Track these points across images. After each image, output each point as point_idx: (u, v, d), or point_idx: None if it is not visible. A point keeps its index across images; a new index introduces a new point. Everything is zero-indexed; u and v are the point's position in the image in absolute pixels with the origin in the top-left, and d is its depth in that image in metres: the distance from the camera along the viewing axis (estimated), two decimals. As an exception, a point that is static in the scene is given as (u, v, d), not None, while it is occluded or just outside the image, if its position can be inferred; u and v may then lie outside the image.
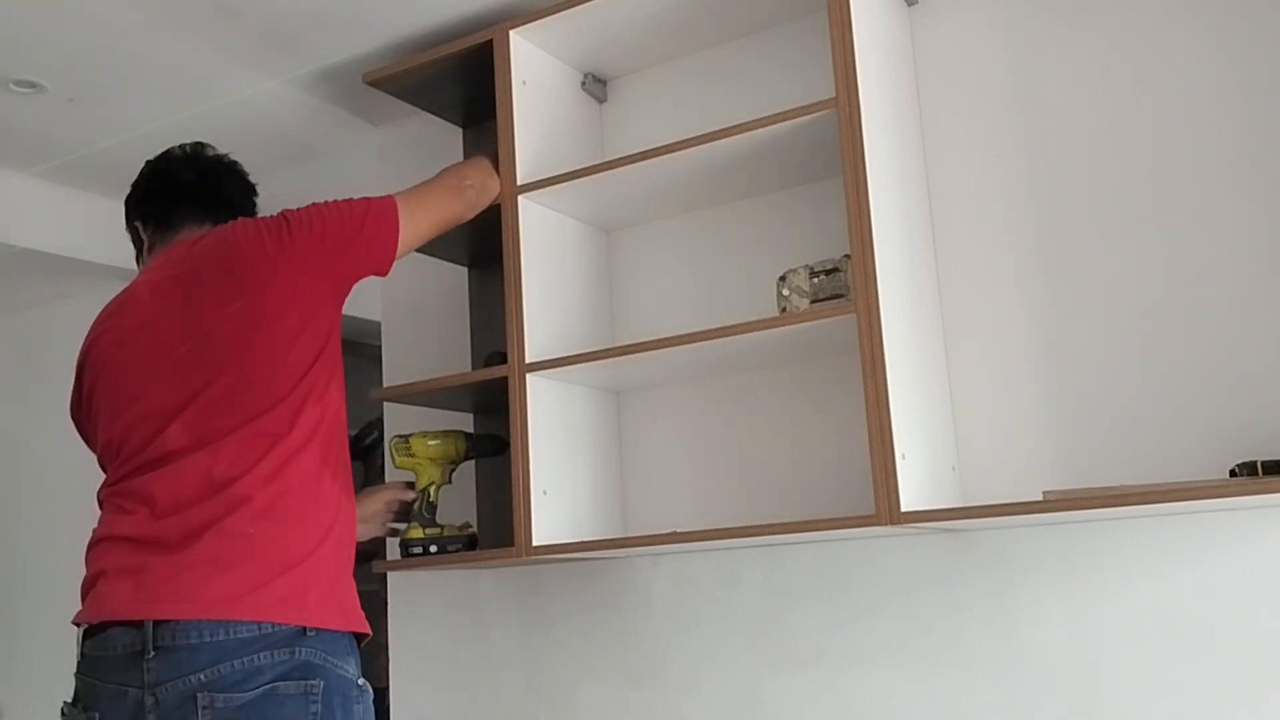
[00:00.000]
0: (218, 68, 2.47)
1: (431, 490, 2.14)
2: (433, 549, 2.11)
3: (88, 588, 1.70)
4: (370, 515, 2.07)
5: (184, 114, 2.66)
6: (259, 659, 1.57)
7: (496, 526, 2.31)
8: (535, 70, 2.23)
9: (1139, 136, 1.88)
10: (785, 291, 1.96)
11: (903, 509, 1.69)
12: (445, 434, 2.17)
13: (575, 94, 2.35)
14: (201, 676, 1.55)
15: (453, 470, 2.19)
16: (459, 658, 2.44)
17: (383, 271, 1.88)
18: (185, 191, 1.93)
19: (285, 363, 1.72)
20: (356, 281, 1.85)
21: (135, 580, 1.62)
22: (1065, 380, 1.89)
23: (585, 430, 2.20)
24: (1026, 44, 1.99)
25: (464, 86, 2.34)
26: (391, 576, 2.57)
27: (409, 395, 2.23)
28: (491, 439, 2.23)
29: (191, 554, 1.61)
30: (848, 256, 1.87)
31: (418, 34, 2.35)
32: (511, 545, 2.01)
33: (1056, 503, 1.64)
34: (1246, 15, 1.82)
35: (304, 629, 1.61)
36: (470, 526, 2.21)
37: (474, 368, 2.38)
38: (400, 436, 2.17)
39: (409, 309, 2.63)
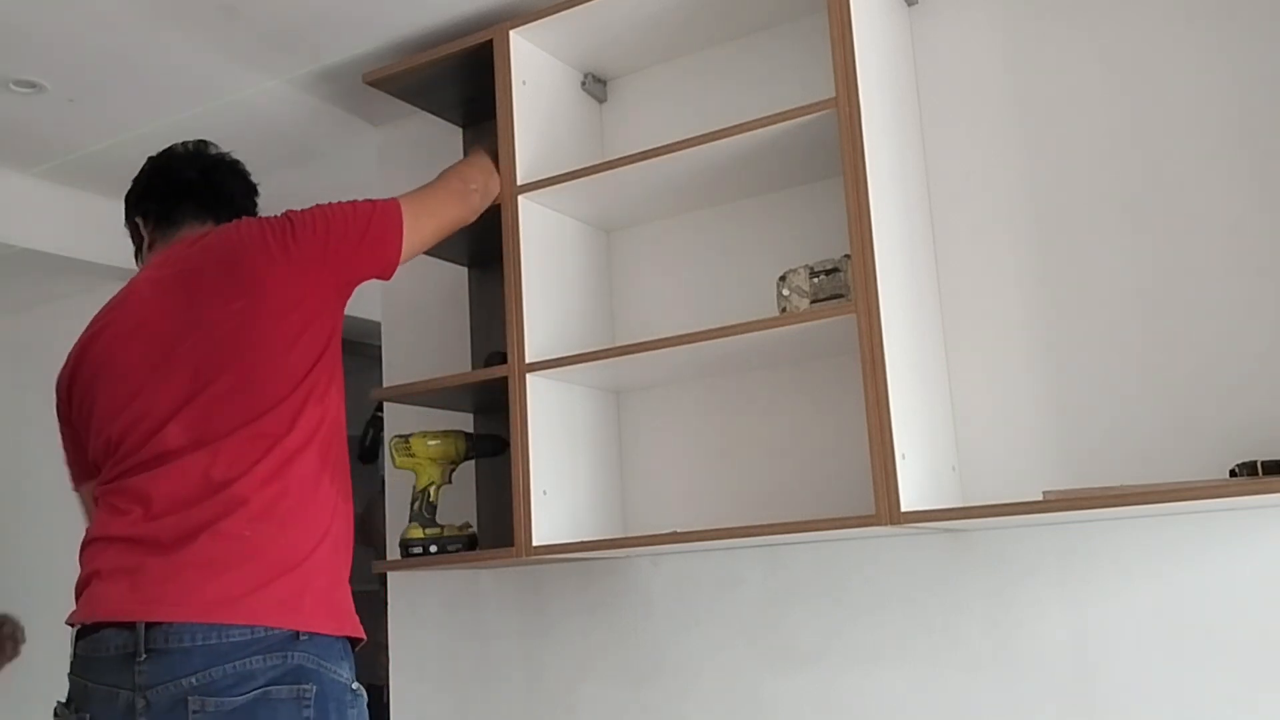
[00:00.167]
0: (218, 68, 2.47)
1: (431, 490, 2.14)
2: (433, 549, 2.11)
3: (81, 588, 1.69)
4: None
5: (184, 114, 2.66)
6: (251, 663, 1.56)
7: (496, 526, 2.31)
8: (535, 70, 2.23)
9: (1139, 136, 1.88)
10: (785, 291, 1.96)
11: (903, 509, 1.69)
12: (445, 434, 2.17)
13: (575, 94, 2.35)
14: (193, 680, 1.54)
15: (453, 470, 2.19)
16: (459, 658, 2.44)
17: (386, 275, 1.87)
18: (187, 189, 1.92)
19: (286, 363, 1.71)
20: (359, 284, 1.84)
21: (129, 581, 1.61)
22: (1065, 380, 1.89)
23: (585, 430, 2.20)
24: (1026, 44, 1.99)
25: (464, 86, 2.34)
26: (391, 576, 2.57)
27: (409, 395, 2.23)
28: (491, 439, 2.23)
29: (186, 555, 1.60)
30: (848, 256, 1.87)
31: (418, 34, 2.35)
32: (511, 545, 2.01)
33: (1056, 503, 1.64)
34: (1246, 15, 1.82)
35: (297, 633, 1.60)
36: (470, 526, 2.21)
37: (474, 368, 2.38)
38: (400, 436, 2.17)
39: (409, 309, 2.63)
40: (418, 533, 2.12)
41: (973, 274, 1.98)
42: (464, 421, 2.41)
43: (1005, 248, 1.96)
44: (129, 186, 1.99)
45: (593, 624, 2.28)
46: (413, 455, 2.15)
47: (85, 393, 1.81)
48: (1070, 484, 1.84)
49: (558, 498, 2.07)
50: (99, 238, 3.12)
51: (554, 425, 2.10)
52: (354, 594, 1.75)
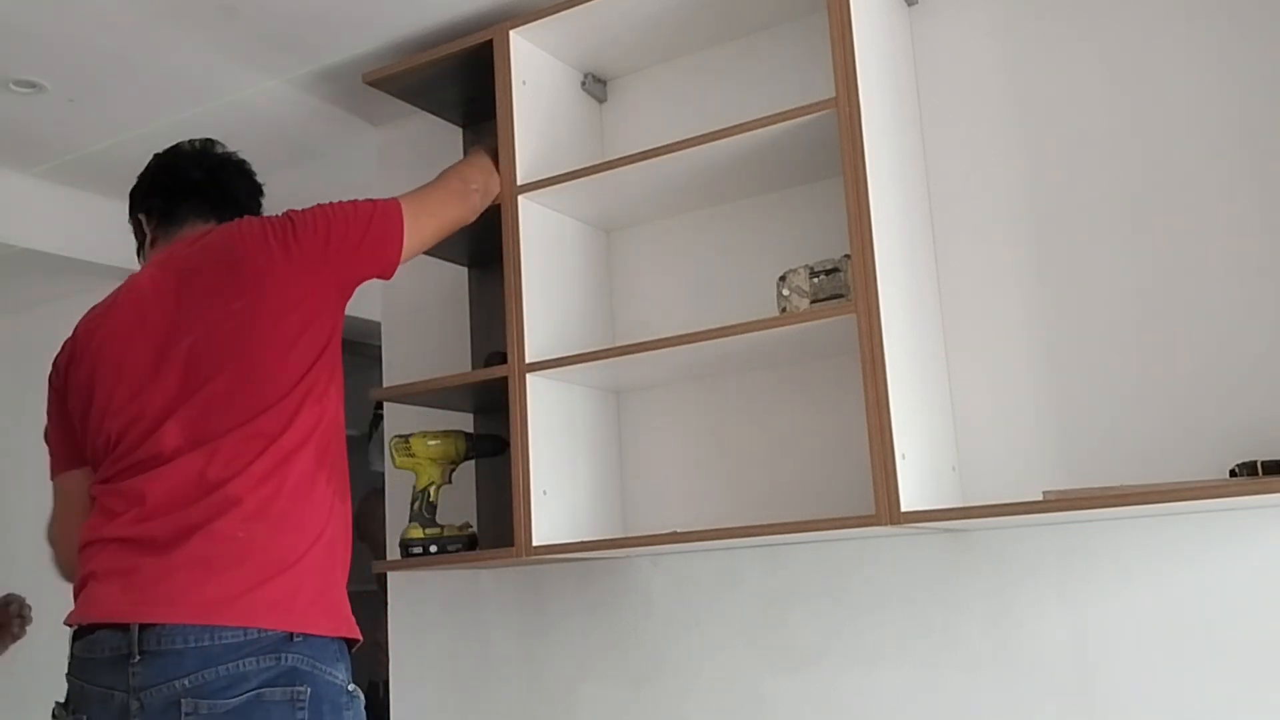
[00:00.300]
0: (218, 68, 2.47)
1: (431, 490, 2.14)
2: (433, 549, 2.11)
3: (79, 589, 1.69)
4: None
5: (184, 114, 2.66)
6: (244, 665, 1.55)
7: (496, 526, 2.31)
8: (535, 70, 2.23)
9: (1139, 136, 1.88)
10: (785, 291, 1.96)
11: (903, 509, 1.69)
12: (445, 434, 2.17)
13: (575, 94, 2.35)
14: (186, 682, 1.53)
15: (453, 470, 2.19)
16: (459, 658, 2.44)
17: (386, 275, 1.86)
18: (192, 187, 1.92)
19: (286, 363, 1.71)
20: (360, 283, 1.84)
21: (124, 582, 1.61)
22: (1065, 380, 1.89)
23: (585, 430, 2.20)
24: (1026, 44, 1.99)
25: (464, 86, 2.34)
26: (391, 576, 2.57)
27: (409, 395, 2.23)
28: (491, 439, 2.23)
29: (180, 556, 1.59)
30: (848, 256, 1.87)
31: (418, 34, 2.34)
32: (511, 545, 2.01)
33: (1056, 503, 1.64)
34: (1246, 15, 1.82)
35: (291, 635, 1.59)
36: (470, 526, 2.21)
37: (474, 368, 2.38)
38: (400, 436, 2.17)
39: (409, 309, 2.63)
40: (418, 533, 2.12)
41: (973, 274, 1.98)
42: (464, 421, 2.41)
43: (1005, 248, 1.96)
44: (132, 184, 1.98)
45: (593, 624, 2.28)
46: (413, 455, 2.15)
47: (83, 384, 1.80)
48: (1070, 484, 1.84)
49: (558, 498, 2.07)
50: (99, 238, 3.12)
51: (554, 425, 2.10)
52: (352, 594, 1.75)
